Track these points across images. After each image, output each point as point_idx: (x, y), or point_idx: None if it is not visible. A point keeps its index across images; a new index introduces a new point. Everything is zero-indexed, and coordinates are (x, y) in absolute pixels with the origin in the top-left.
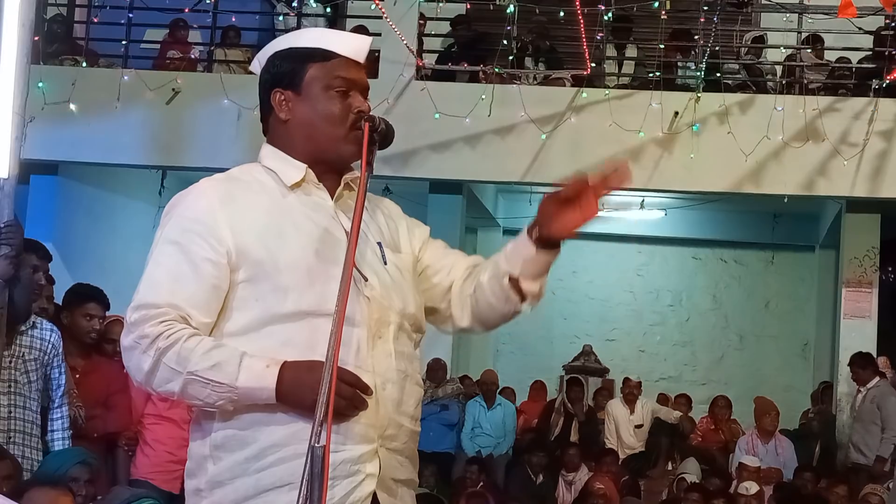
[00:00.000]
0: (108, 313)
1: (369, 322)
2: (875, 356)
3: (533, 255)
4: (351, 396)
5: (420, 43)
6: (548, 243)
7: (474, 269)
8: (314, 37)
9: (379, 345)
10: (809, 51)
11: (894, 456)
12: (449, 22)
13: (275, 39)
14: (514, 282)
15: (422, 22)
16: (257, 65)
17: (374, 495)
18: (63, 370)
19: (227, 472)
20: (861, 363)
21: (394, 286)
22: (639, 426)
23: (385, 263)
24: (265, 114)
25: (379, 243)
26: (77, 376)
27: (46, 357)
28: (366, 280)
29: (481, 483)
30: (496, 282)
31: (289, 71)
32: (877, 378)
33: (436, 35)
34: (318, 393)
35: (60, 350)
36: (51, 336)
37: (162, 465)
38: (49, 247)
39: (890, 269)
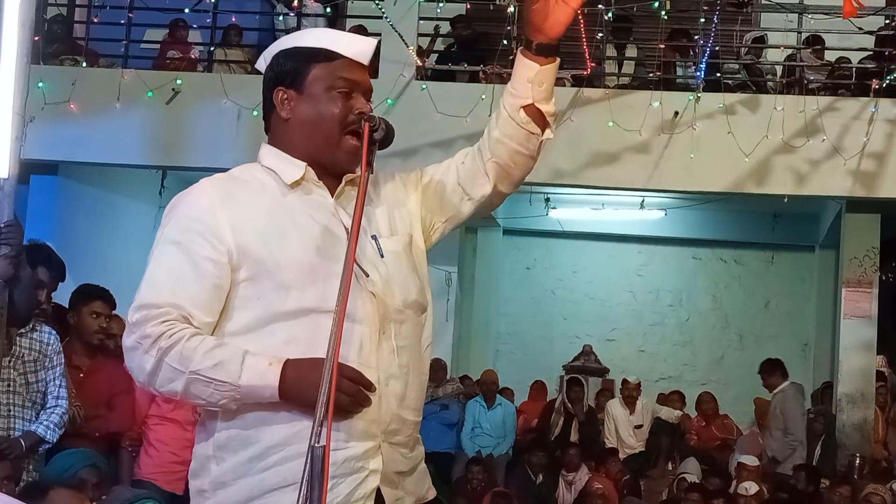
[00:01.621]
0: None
1: (372, 318)
2: (875, 356)
3: (537, 70)
4: (354, 393)
5: (431, 41)
6: (546, 49)
7: (470, 150)
8: (319, 37)
9: (383, 341)
10: (809, 51)
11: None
12: (449, 22)
13: (281, 38)
14: (530, 110)
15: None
16: (263, 63)
17: (378, 490)
18: (57, 374)
19: (230, 473)
20: (769, 369)
21: (394, 278)
22: (638, 426)
23: (382, 256)
24: (267, 112)
25: (374, 237)
26: (81, 376)
27: (47, 360)
28: (367, 276)
29: (483, 483)
30: (511, 125)
31: (292, 70)
32: (785, 382)
33: (434, 35)
34: (321, 391)
35: (59, 353)
36: (50, 339)
37: (165, 466)
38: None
39: (890, 269)
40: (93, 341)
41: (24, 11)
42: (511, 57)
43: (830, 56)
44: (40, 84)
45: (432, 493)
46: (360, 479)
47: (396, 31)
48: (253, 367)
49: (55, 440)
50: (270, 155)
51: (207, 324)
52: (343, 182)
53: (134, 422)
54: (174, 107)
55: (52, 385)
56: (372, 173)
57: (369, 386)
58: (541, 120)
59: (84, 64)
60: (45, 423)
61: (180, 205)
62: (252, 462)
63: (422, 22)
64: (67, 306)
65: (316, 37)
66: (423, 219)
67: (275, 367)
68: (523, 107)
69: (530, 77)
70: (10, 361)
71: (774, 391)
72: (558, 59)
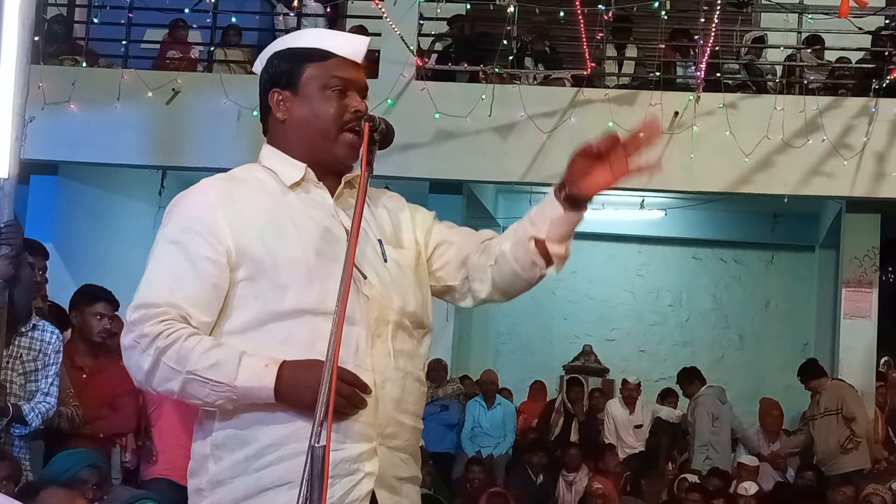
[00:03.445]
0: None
1: (368, 321)
2: (876, 357)
3: (560, 214)
4: (350, 395)
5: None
6: (576, 202)
7: (489, 240)
8: (312, 37)
9: (378, 343)
10: (809, 51)
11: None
12: (446, 21)
13: (275, 40)
14: (540, 245)
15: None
16: (259, 65)
17: (373, 494)
18: (51, 372)
19: (227, 472)
20: (686, 378)
21: (393, 284)
22: (638, 426)
23: (385, 261)
24: (264, 114)
25: (379, 240)
26: (84, 376)
27: (47, 358)
28: (365, 278)
29: (483, 483)
30: (521, 247)
31: (286, 71)
32: (702, 388)
33: (433, 35)
34: (317, 392)
35: (58, 352)
36: (51, 338)
37: (181, 461)
38: (49, 247)
39: (890, 269)
40: (96, 339)
41: (24, 11)
42: (511, 57)
43: (830, 56)
44: (40, 84)
45: None
46: (354, 482)
47: (396, 31)
48: (249, 367)
49: (33, 427)
50: (271, 155)
51: (206, 323)
52: (342, 184)
53: (137, 422)
54: (174, 107)
55: (44, 382)
56: (372, 173)
57: (365, 388)
58: (548, 256)
59: (84, 64)
60: (33, 407)
61: (180, 204)
62: (249, 461)
63: (422, 22)
64: (69, 306)
65: (309, 37)
66: (429, 257)
67: (271, 369)
68: (536, 238)
69: (551, 216)
70: (8, 362)
71: (693, 398)
72: (585, 211)
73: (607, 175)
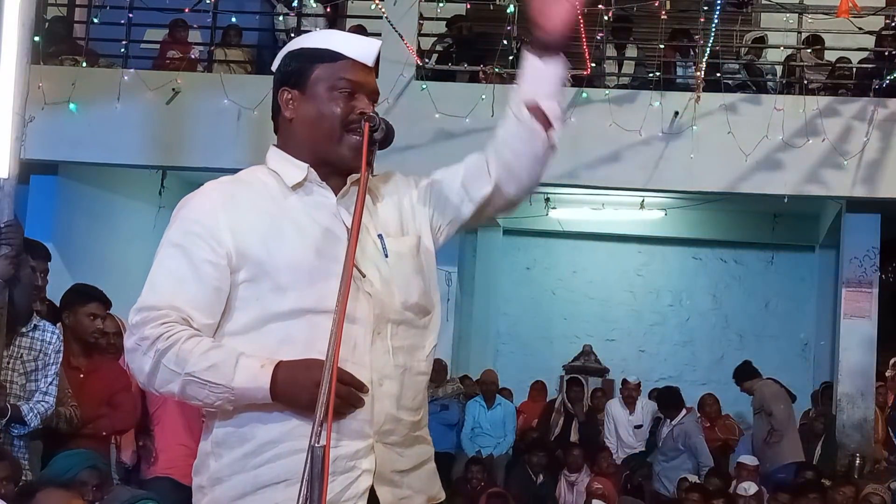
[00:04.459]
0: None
1: (368, 319)
2: (876, 357)
3: (540, 67)
4: (347, 395)
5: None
6: (550, 48)
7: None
8: (324, 38)
9: (378, 341)
10: (809, 51)
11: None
12: (445, 22)
13: (292, 40)
14: (533, 109)
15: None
16: (275, 63)
17: (373, 490)
18: (51, 372)
19: (226, 469)
20: (669, 400)
21: (394, 279)
22: (638, 426)
23: (386, 256)
24: (275, 113)
25: (380, 235)
26: (81, 376)
27: (47, 358)
28: (363, 276)
29: (483, 483)
30: (514, 123)
31: (296, 70)
32: (682, 412)
33: (433, 35)
34: (313, 392)
35: (59, 351)
36: (52, 338)
37: (182, 460)
38: (49, 247)
39: (890, 269)
40: (90, 340)
41: (24, 11)
42: (511, 57)
43: (830, 56)
44: (40, 84)
45: (443, 495)
46: (351, 479)
47: (396, 31)
48: (246, 369)
49: (32, 427)
50: (275, 157)
51: (208, 325)
52: (348, 182)
53: (136, 419)
54: (174, 107)
55: (43, 382)
56: (373, 173)
57: (361, 387)
58: (544, 119)
59: (84, 64)
60: (32, 407)
61: (184, 207)
62: (247, 458)
63: (422, 22)
64: (60, 305)
65: (321, 38)
66: (431, 219)
67: (266, 369)
68: (526, 103)
69: (532, 74)
70: (8, 362)
71: (673, 423)
72: (561, 58)
73: (565, 6)
